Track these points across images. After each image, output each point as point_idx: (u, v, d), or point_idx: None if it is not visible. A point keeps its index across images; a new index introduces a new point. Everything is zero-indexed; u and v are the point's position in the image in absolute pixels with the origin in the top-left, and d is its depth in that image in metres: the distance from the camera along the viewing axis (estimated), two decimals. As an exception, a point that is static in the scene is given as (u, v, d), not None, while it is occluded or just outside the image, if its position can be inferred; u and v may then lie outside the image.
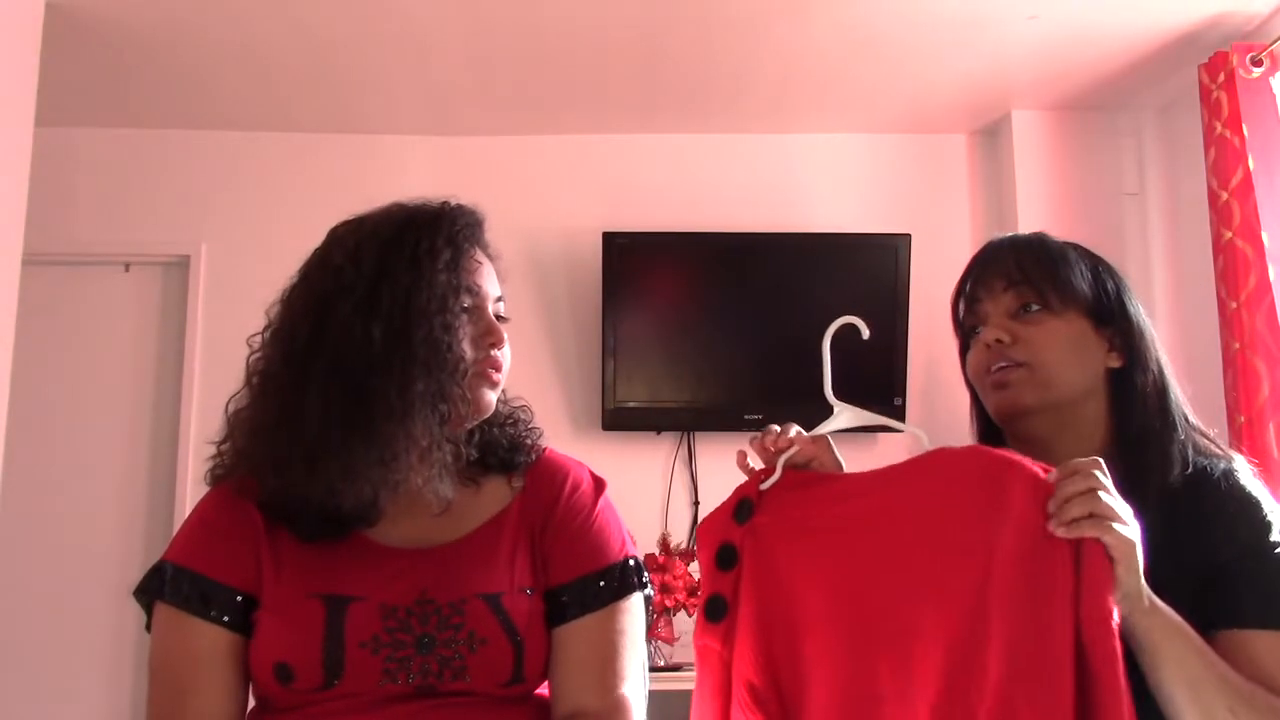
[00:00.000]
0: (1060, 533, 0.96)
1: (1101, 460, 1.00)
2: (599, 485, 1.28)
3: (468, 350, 1.17)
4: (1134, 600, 0.98)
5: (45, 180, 2.84)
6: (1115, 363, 1.26)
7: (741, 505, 1.16)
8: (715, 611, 1.12)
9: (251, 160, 3.52)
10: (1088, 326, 1.25)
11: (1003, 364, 1.24)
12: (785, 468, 1.16)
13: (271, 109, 3.39)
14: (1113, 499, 0.98)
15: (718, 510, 1.19)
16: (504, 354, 1.22)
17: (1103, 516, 0.96)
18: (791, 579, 1.09)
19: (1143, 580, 0.99)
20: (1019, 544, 0.97)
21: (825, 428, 1.19)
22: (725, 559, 1.14)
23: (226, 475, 1.21)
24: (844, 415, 1.19)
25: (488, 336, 1.20)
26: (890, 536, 1.05)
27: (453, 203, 1.24)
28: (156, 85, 3.22)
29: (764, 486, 1.15)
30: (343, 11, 2.79)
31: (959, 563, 0.99)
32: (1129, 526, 0.98)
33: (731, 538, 1.14)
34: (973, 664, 0.96)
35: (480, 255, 1.23)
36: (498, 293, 1.25)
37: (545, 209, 3.50)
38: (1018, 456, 1.03)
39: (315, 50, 3.00)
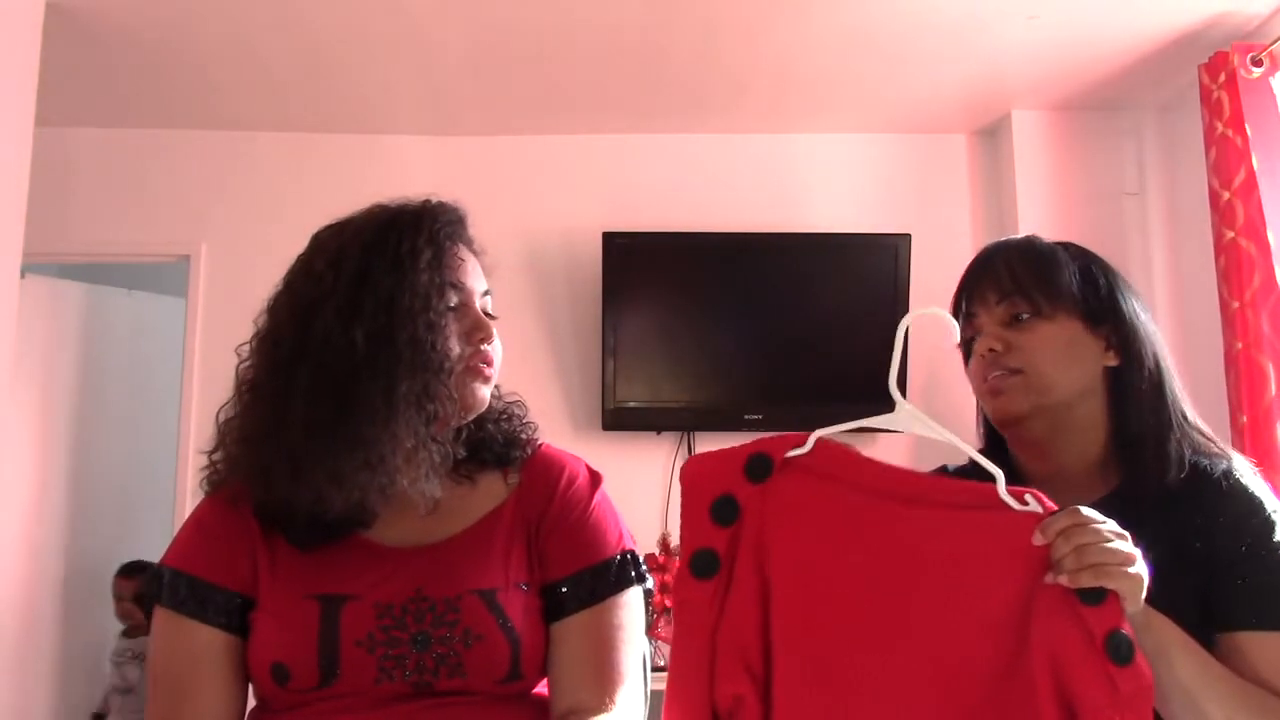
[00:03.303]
0: (1064, 581, 0.94)
1: (1079, 509, 0.98)
2: (595, 479, 1.28)
3: (455, 347, 1.16)
4: (1134, 619, 0.97)
5: (45, 180, 2.84)
6: (1112, 361, 1.26)
7: (758, 460, 1.07)
8: (704, 567, 1.05)
9: (251, 160, 3.52)
10: (1080, 328, 1.26)
11: (997, 372, 1.25)
12: (819, 441, 1.08)
13: (271, 109, 3.39)
14: (1107, 542, 0.95)
15: (720, 456, 1.09)
16: (495, 348, 1.22)
17: (1102, 564, 0.94)
18: (807, 558, 1.03)
19: (1141, 599, 0.98)
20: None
21: (881, 422, 1.10)
22: (724, 512, 1.06)
23: (221, 483, 1.21)
24: (905, 416, 1.08)
25: (476, 332, 1.20)
26: (934, 565, 1.00)
27: (434, 200, 1.23)
28: (156, 85, 3.21)
29: (792, 454, 1.07)
30: (343, 11, 2.79)
31: (996, 630, 0.97)
32: (1130, 561, 0.96)
33: (736, 492, 1.06)
34: None
35: (464, 252, 1.23)
36: (484, 287, 1.24)
37: (545, 209, 3.50)
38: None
39: (315, 50, 3.00)
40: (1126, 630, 0.94)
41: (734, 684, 1.02)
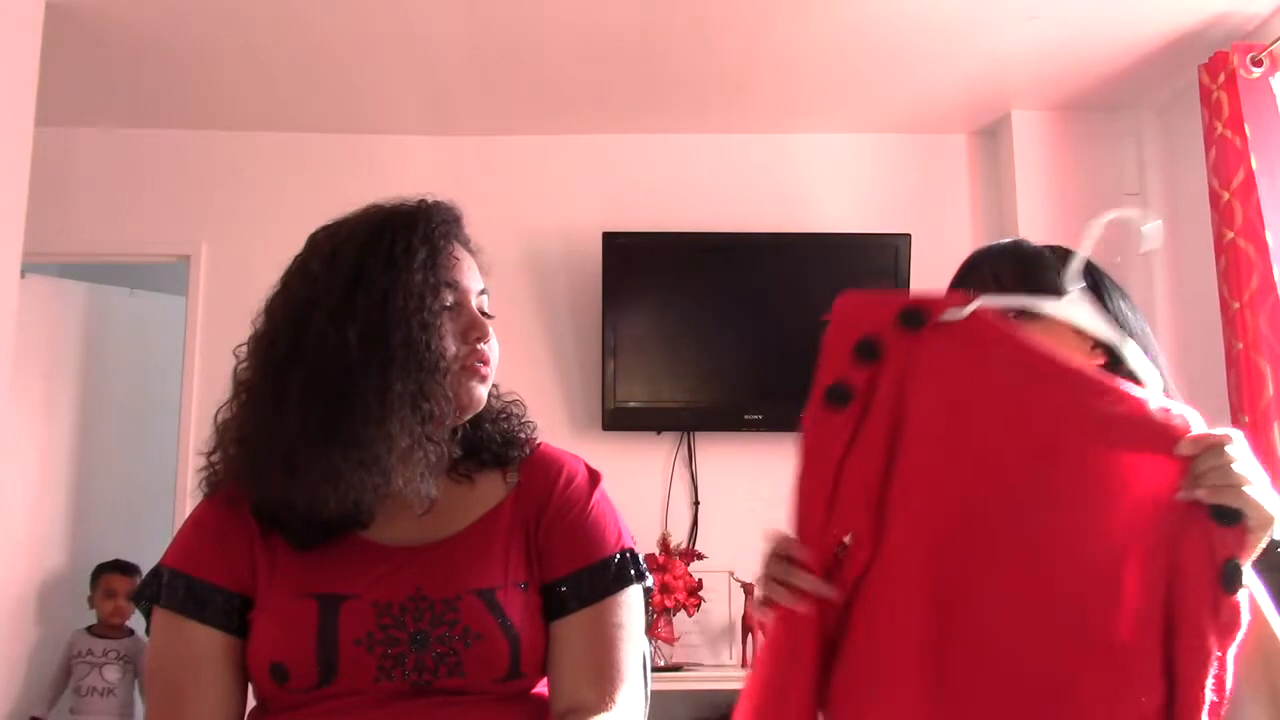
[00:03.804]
0: (1201, 495, 0.93)
1: (1231, 430, 0.96)
2: (594, 477, 1.28)
3: (450, 347, 1.16)
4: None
5: (45, 180, 2.84)
6: (1098, 361, 1.26)
7: (912, 312, 1.04)
8: (840, 397, 1.02)
9: (251, 160, 3.52)
10: (1066, 328, 1.25)
11: None
12: (980, 309, 1.04)
13: (271, 109, 3.39)
14: (1249, 468, 0.94)
15: (874, 297, 1.08)
16: (491, 347, 1.21)
17: (1244, 486, 0.92)
18: (942, 422, 1.02)
19: (1266, 540, 0.97)
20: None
21: (1046, 306, 1.08)
22: (868, 351, 1.03)
23: (219, 484, 1.20)
24: (1071, 305, 1.06)
25: (472, 331, 1.19)
26: (1070, 452, 0.99)
27: (429, 200, 1.23)
28: (156, 85, 3.22)
29: (948, 317, 1.03)
30: (343, 11, 2.79)
31: (1124, 510, 0.96)
32: (1271, 499, 0.94)
33: (884, 335, 1.03)
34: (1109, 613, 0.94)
35: (459, 251, 1.22)
36: (480, 286, 1.24)
37: (545, 209, 3.50)
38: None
39: (315, 50, 3.00)
40: (1244, 563, 0.93)
41: (852, 517, 1.00)
